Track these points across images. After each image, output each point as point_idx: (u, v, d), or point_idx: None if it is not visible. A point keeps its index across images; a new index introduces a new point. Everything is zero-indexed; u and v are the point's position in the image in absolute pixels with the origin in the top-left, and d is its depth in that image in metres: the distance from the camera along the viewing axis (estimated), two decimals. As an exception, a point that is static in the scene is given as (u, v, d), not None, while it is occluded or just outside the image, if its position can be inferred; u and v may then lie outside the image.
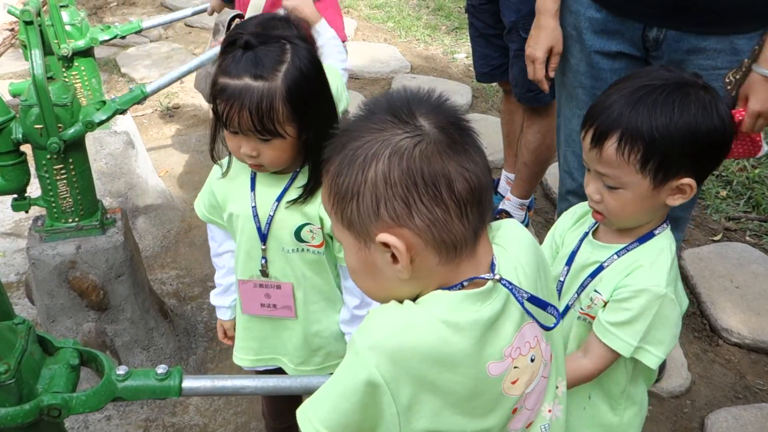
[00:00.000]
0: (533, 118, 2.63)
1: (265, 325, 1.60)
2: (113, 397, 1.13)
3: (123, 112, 2.09)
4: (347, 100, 1.92)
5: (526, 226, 2.89)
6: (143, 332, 2.28)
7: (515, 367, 0.92)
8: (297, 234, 1.46)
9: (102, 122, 2.00)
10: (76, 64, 2.75)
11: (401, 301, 0.91)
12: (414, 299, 0.91)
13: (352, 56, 4.93)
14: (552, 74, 1.95)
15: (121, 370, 1.14)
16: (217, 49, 2.26)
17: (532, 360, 0.94)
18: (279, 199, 1.45)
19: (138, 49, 5.06)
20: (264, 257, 1.50)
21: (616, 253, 1.33)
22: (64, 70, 2.71)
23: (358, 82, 4.54)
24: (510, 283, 0.90)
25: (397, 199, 0.84)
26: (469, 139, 0.87)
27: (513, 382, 0.92)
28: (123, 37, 2.87)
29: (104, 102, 2.06)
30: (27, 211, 2.08)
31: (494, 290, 0.90)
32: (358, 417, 0.89)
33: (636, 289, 1.27)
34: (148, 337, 2.30)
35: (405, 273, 0.87)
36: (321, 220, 1.45)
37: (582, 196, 1.98)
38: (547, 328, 0.94)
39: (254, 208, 1.47)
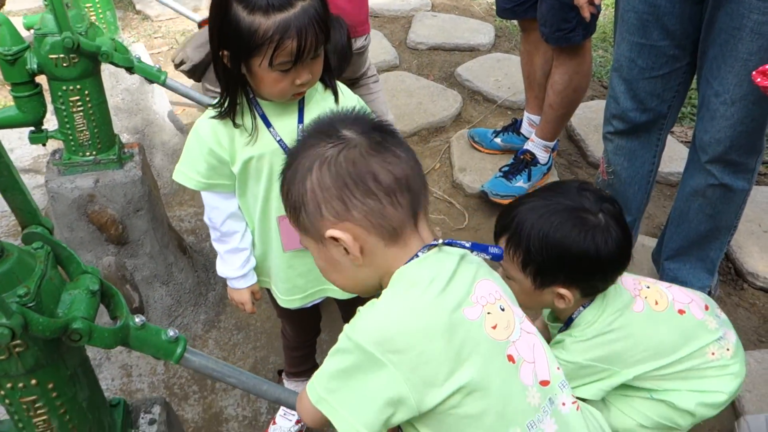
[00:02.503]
0: (561, 59, 2.53)
1: (308, 258, 1.56)
2: (125, 341, 1.15)
3: (132, 72, 2.00)
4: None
5: (549, 168, 2.84)
6: (162, 267, 2.28)
7: (488, 313, 1.02)
8: None
9: (113, 63, 1.94)
10: (91, -5, 2.69)
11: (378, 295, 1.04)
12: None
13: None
14: (598, 1, 1.90)
15: (139, 320, 1.17)
16: None
17: (503, 309, 1.05)
18: (301, 121, 1.43)
19: (153, -15, 4.96)
20: None
21: (558, 330, 1.50)
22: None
23: (377, 20, 4.43)
24: (453, 240, 1.05)
25: (334, 200, 1.00)
26: (391, 138, 1.04)
27: (493, 327, 1.03)
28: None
29: (126, 50, 1.99)
30: (44, 144, 2.06)
31: (443, 251, 1.04)
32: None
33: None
34: (167, 272, 2.30)
35: (359, 260, 1.02)
36: None
37: (625, 121, 1.95)
38: (496, 257, 1.04)
39: (280, 141, 1.44)
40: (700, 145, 1.87)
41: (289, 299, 1.65)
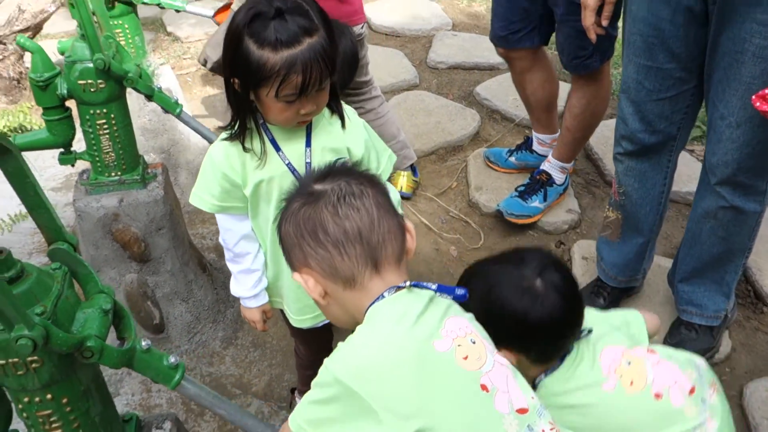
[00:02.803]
0: (579, 84, 2.54)
1: None
2: (129, 363, 1.22)
3: (150, 99, 2.10)
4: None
5: (566, 188, 2.85)
6: (183, 284, 2.35)
7: (459, 345, 1.07)
8: None
9: (135, 89, 2.02)
10: (120, 21, 2.80)
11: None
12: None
13: (393, 14, 4.91)
14: (605, 23, 1.91)
15: (144, 344, 1.23)
16: None
17: (473, 342, 1.10)
18: (309, 145, 1.50)
19: (184, 8, 5.10)
20: None
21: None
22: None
23: (398, 40, 4.50)
24: (419, 282, 1.10)
25: (296, 248, 1.13)
26: (360, 188, 1.13)
27: (464, 358, 1.07)
28: (162, 7, 2.91)
29: (150, 78, 2.08)
30: (73, 165, 2.16)
31: (413, 292, 1.10)
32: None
33: None
34: (187, 289, 2.36)
35: (322, 300, 1.14)
36: (349, 150, 1.53)
37: (634, 142, 1.98)
38: (459, 298, 1.11)
39: (289, 164, 1.50)
40: (709, 168, 1.88)
41: (300, 319, 1.70)
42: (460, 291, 1.10)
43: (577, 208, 2.87)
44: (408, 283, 1.09)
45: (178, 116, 2.09)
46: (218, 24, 2.92)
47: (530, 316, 1.34)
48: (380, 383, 1.01)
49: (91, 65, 1.92)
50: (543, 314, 1.34)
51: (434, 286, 1.10)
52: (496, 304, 1.35)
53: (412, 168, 3.00)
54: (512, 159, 3.02)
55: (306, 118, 1.45)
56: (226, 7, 2.92)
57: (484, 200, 2.92)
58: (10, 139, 2.05)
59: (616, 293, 2.30)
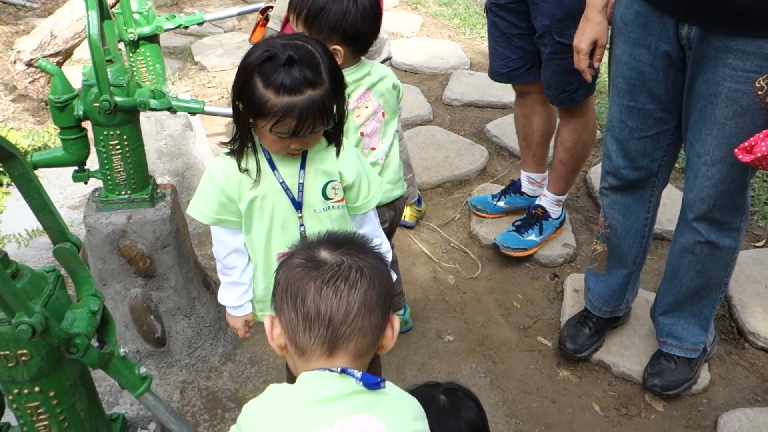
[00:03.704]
0: (568, 118, 2.66)
1: None
2: (106, 366, 1.33)
3: (174, 112, 2.23)
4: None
5: (563, 221, 2.92)
6: (186, 300, 2.45)
7: None
8: (324, 192, 1.64)
9: (153, 109, 2.16)
10: (142, 49, 2.96)
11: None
12: None
13: (414, 52, 5.06)
14: (597, 65, 2.04)
15: (122, 351, 1.35)
16: None
17: None
18: (303, 167, 1.61)
19: (212, 39, 5.31)
20: (302, 224, 1.65)
21: None
22: (131, 54, 2.93)
23: (417, 77, 4.64)
24: (347, 369, 1.07)
25: (278, 297, 1.14)
26: (352, 277, 1.10)
27: None
28: (186, 27, 3.05)
29: (163, 94, 2.22)
30: (86, 183, 2.28)
31: (343, 377, 1.07)
32: None
33: None
34: (190, 306, 2.46)
35: (279, 351, 1.16)
36: (341, 174, 1.64)
37: (618, 177, 2.07)
38: (370, 387, 1.06)
39: (283, 182, 1.61)
40: (686, 204, 1.95)
41: None
42: (378, 382, 1.07)
43: (573, 242, 2.93)
44: (339, 369, 1.07)
45: (204, 111, 2.21)
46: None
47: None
48: None
49: (106, 90, 2.05)
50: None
51: (359, 374, 1.06)
52: None
53: (418, 198, 3.10)
54: (501, 204, 3.09)
55: (295, 152, 1.59)
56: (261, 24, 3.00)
57: (484, 232, 3.00)
58: (28, 156, 2.18)
59: (601, 323, 2.36)
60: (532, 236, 2.81)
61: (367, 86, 1.94)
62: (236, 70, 1.54)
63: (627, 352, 2.36)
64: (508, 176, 3.47)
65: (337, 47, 1.82)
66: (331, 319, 1.08)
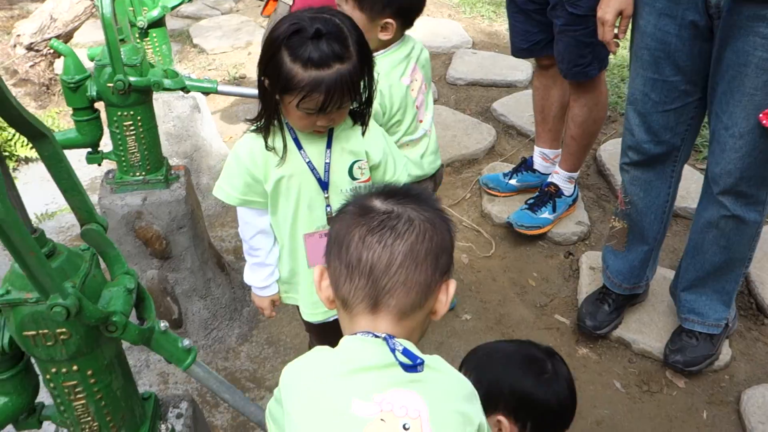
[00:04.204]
0: (579, 93, 2.63)
1: None
2: (147, 341, 1.31)
3: (187, 91, 2.20)
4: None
5: (575, 199, 2.91)
6: (201, 282, 2.43)
7: (382, 420, 0.94)
8: (350, 172, 1.61)
9: (166, 89, 2.13)
10: (148, 31, 2.91)
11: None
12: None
13: (414, 31, 4.99)
14: (622, 36, 1.99)
15: (163, 325, 1.32)
16: None
17: (406, 428, 0.95)
18: (329, 146, 1.58)
19: (210, 21, 5.26)
20: (328, 204, 1.63)
21: None
22: (138, 39, 2.89)
23: (419, 57, 4.60)
24: (392, 341, 1.00)
25: (327, 247, 1.10)
26: (400, 227, 1.03)
27: None
28: (190, 0, 2.99)
29: (177, 73, 2.19)
30: (99, 164, 2.25)
31: (379, 344, 1.01)
32: None
33: None
34: (205, 287, 2.45)
35: (325, 303, 1.10)
36: (367, 153, 1.61)
37: (640, 152, 2.05)
38: (407, 368, 0.99)
39: (309, 162, 1.59)
40: (711, 178, 1.94)
41: (312, 313, 1.77)
42: (418, 361, 0.99)
43: (587, 220, 2.93)
44: (383, 335, 1.01)
45: (218, 91, 2.19)
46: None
47: (538, 393, 1.40)
48: (287, 403, 1.02)
49: (121, 69, 2.02)
50: (549, 395, 1.41)
51: (400, 348, 0.99)
52: (510, 374, 1.42)
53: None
54: (513, 182, 3.06)
55: (321, 129, 1.55)
56: None
57: (496, 211, 2.98)
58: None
59: (620, 300, 2.35)
60: (545, 214, 2.80)
61: (415, 60, 1.92)
62: (262, 44, 1.51)
63: (646, 329, 2.36)
64: (516, 155, 3.46)
65: (390, 20, 1.80)
66: (372, 268, 1.02)
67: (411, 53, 1.91)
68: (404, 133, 1.94)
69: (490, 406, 1.36)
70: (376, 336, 1.01)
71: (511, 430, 1.41)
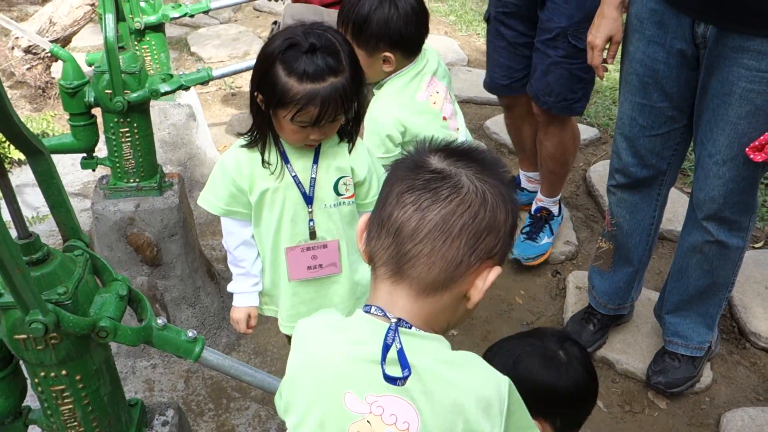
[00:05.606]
0: (551, 129, 2.61)
1: (311, 287, 1.73)
2: (148, 339, 1.31)
3: (186, 88, 2.23)
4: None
5: (562, 215, 2.95)
6: (191, 290, 2.45)
7: (368, 422, 0.92)
8: (335, 188, 1.64)
9: (166, 93, 2.15)
10: (147, 38, 2.94)
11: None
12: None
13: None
14: (610, 62, 2.03)
15: (161, 321, 1.32)
16: None
17: None
18: (316, 162, 1.61)
19: (208, 30, 5.29)
20: (311, 219, 1.65)
21: None
22: (135, 43, 2.91)
23: (415, 73, 4.64)
24: (398, 325, 0.94)
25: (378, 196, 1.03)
26: (443, 191, 0.93)
27: None
28: (192, 16, 3.04)
29: (171, 75, 2.22)
30: (94, 170, 2.27)
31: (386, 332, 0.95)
32: None
33: None
34: (194, 295, 2.46)
35: (363, 256, 1.03)
36: (352, 170, 1.64)
37: (627, 175, 2.09)
38: (391, 381, 0.93)
39: (295, 176, 1.61)
40: (696, 203, 1.98)
41: (289, 325, 1.78)
42: (404, 374, 0.92)
43: (575, 240, 2.96)
44: (393, 321, 0.94)
45: (213, 77, 2.24)
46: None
47: (558, 385, 1.40)
48: (292, 361, 1.05)
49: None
50: (569, 383, 1.40)
51: (399, 346, 0.93)
52: (524, 374, 1.39)
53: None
54: None
55: (313, 143, 1.59)
56: None
57: (486, 228, 3.01)
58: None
59: (605, 320, 2.38)
60: (545, 239, 2.82)
61: (431, 73, 1.94)
62: (255, 60, 1.54)
63: (630, 350, 2.39)
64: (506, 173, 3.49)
65: (388, 54, 1.83)
66: (399, 230, 0.93)
67: (423, 69, 1.92)
68: None
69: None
70: (389, 317, 0.95)
71: (544, 429, 1.40)
